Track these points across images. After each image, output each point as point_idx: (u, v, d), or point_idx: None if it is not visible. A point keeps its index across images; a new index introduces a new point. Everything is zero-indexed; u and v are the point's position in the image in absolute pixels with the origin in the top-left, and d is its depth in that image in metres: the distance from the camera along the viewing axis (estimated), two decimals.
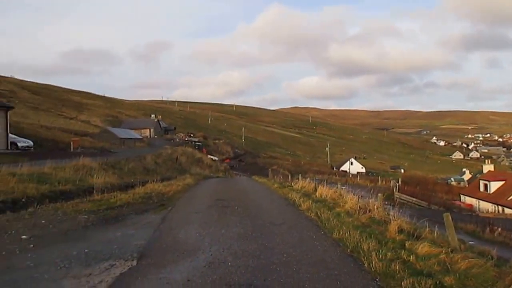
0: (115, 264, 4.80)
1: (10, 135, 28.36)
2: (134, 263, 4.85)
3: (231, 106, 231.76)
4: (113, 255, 5.12)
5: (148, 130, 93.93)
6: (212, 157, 59.86)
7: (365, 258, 5.05)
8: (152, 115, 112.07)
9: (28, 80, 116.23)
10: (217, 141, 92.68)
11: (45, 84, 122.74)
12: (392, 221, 6.78)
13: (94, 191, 10.07)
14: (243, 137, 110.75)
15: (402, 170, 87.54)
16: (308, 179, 17.72)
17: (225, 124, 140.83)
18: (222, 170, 46.26)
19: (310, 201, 9.89)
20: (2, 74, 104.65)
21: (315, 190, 12.67)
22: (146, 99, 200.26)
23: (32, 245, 5.40)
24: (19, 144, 29.35)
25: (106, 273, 4.49)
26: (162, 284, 4.19)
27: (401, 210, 9.70)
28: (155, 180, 15.33)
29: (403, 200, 26.07)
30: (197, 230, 6.67)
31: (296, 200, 10.51)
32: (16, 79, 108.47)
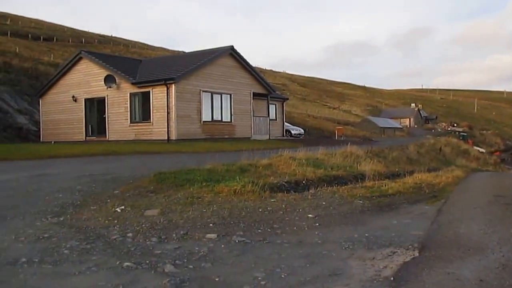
0: (396, 251, 4.78)
1: (285, 123, 31.69)
2: (416, 253, 4.73)
3: (501, 93, 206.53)
4: (393, 243, 5.11)
5: (408, 119, 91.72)
6: (478, 149, 54.68)
7: None
8: (412, 104, 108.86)
9: (297, 74, 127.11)
10: (484, 131, 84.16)
11: (311, 77, 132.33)
12: None
13: (366, 178, 10.37)
14: None
15: None
16: None
17: (494, 113, 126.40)
18: (491, 164, 41.83)
19: None
20: (276, 70, 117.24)
21: None
22: (405, 88, 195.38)
23: (317, 224, 5.86)
24: (292, 132, 32.61)
25: (389, 260, 4.50)
26: (452, 279, 3.97)
27: None
28: (420, 170, 14.84)
29: None
30: (479, 227, 6.14)
31: None
32: (287, 73, 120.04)
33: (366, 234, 5.42)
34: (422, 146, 31.65)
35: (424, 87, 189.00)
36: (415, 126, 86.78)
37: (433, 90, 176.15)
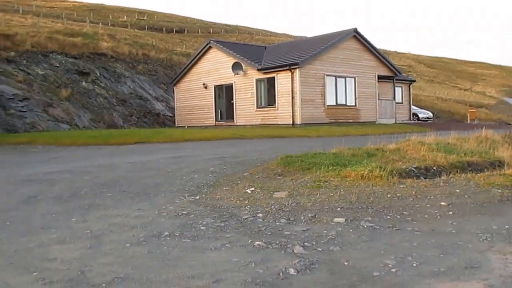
0: None
1: (412, 107, 30.28)
2: None
3: None
4: None
5: None
6: None
7: None
8: None
9: (424, 54, 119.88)
10: None
11: (439, 57, 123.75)
12: None
13: (505, 165, 9.54)
14: None
15: None
16: None
17: None
18: None
19: None
20: (401, 51, 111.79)
21: None
22: None
23: (451, 212, 5.56)
24: (419, 115, 31.06)
25: None
26: None
27: None
28: None
29: None
30: None
31: None
32: (412, 54, 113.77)
33: (506, 226, 5.03)
34: None
35: None
36: None
37: None
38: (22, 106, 23.02)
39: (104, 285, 3.37)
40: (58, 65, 27.98)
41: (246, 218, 5.21)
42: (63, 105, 24.93)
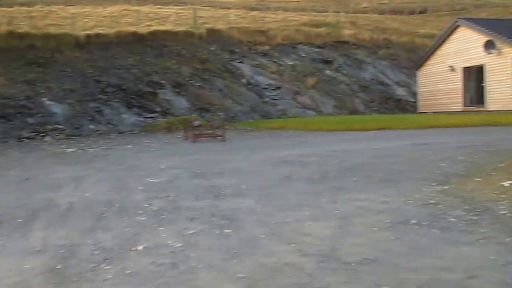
0: None
1: None
2: None
3: None
4: None
5: None
6: None
7: None
8: None
9: None
10: None
11: None
12: None
13: None
14: None
15: None
16: None
17: None
18: None
19: None
20: None
21: None
22: None
23: None
24: None
25: None
26: None
27: None
28: None
29: None
30: None
31: None
32: None
33: None
34: None
35: None
36: None
37: None
38: (275, 95, 25.69)
39: (354, 264, 3.55)
40: (304, 55, 30.13)
41: (503, 214, 4.75)
42: (309, 93, 26.80)
